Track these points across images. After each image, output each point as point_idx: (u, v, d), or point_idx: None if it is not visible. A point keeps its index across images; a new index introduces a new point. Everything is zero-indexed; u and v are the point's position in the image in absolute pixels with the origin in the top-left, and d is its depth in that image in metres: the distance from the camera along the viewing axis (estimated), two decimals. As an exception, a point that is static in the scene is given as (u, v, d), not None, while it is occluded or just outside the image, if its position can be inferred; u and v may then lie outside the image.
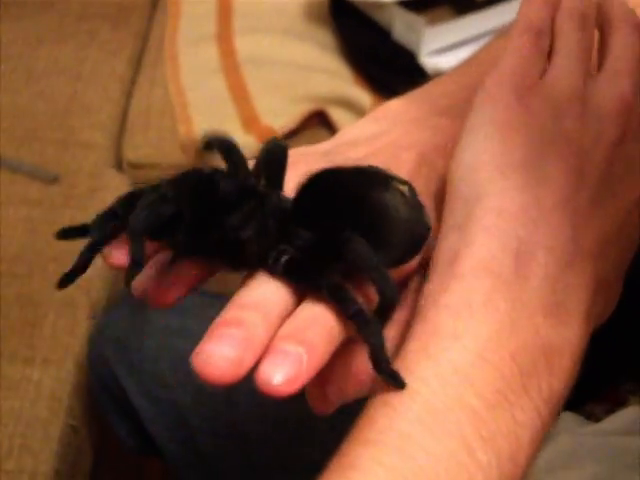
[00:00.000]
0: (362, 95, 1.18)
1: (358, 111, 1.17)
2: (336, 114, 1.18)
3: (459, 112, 0.40)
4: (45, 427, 0.87)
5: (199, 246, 0.33)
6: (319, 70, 1.25)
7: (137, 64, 1.37)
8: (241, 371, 0.29)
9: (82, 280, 1.11)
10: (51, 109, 1.26)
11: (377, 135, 0.42)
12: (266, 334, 0.30)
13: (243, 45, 1.31)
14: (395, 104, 0.46)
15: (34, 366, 0.92)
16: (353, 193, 0.32)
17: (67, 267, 1.20)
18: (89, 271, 1.16)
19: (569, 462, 0.57)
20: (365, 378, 0.34)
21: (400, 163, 0.38)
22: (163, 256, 0.36)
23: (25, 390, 0.90)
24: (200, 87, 1.26)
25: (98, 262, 1.15)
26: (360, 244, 0.30)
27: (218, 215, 0.33)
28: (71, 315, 0.97)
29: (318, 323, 0.31)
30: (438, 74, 1.17)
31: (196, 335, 0.32)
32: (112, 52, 1.36)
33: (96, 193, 1.14)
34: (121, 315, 0.82)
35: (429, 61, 1.16)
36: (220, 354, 0.29)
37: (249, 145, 1.17)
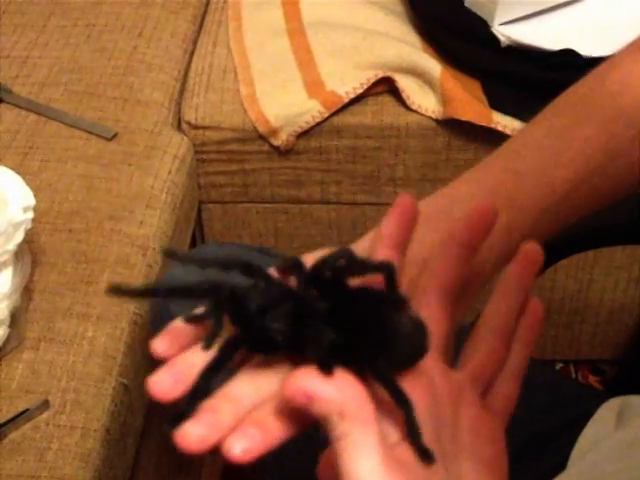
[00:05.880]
0: (432, 63, 1.14)
1: (427, 79, 1.14)
2: (403, 81, 1.14)
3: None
4: (97, 384, 0.86)
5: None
6: (386, 36, 1.21)
7: (200, 23, 1.35)
8: (208, 444, 0.37)
9: (138, 238, 1.10)
10: (111, 66, 1.24)
11: None
12: (233, 420, 0.38)
13: (309, 9, 1.28)
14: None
15: (88, 323, 0.90)
16: (373, 315, 0.40)
17: (123, 225, 1.19)
18: (145, 229, 1.14)
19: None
20: None
21: None
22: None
23: (79, 346, 0.88)
24: (264, 49, 1.24)
25: (155, 222, 1.13)
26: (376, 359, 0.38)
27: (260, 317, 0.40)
28: (127, 273, 0.96)
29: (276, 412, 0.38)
30: (511, 43, 1.13)
31: None
32: (175, 10, 1.34)
33: (154, 152, 1.12)
34: (186, 271, 0.79)
35: (503, 30, 1.12)
36: (194, 431, 0.37)
37: (312, 110, 1.14)
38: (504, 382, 0.43)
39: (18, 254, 0.86)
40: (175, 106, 1.21)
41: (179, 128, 1.20)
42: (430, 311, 0.42)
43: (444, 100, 1.12)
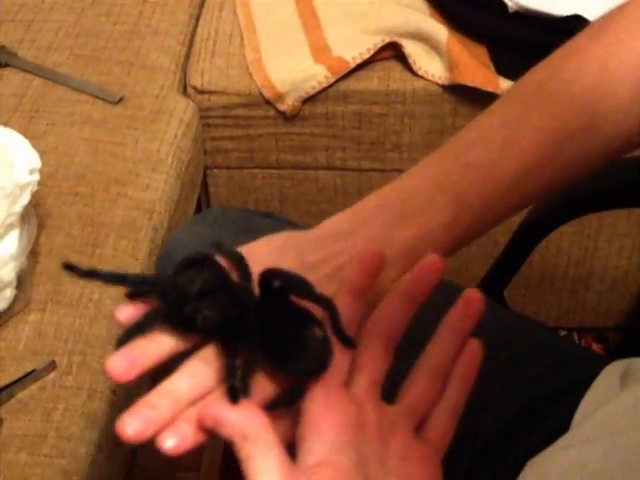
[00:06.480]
0: (438, 28, 1.13)
1: (434, 45, 1.13)
2: (410, 46, 1.14)
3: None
4: (104, 346, 0.86)
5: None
6: (393, 1, 1.20)
7: (206, -13, 1.34)
8: (144, 437, 0.41)
9: (144, 202, 1.09)
10: (117, 30, 1.24)
11: (347, 233, 0.51)
12: (170, 415, 0.42)
13: (315, -27, 1.27)
14: (370, 204, 0.52)
15: (94, 285, 0.90)
16: (287, 328, 0.44)
17: (129, 189, 1.18)
18: (151, 193, 1.13)
19: None
20: None
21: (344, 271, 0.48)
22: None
23: (85, 308, 0.89)
24: (270, 14, 1.23)
25: (160, 186, 1.13)
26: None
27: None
28: (132, 236, 0.96)
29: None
30: (519, 9, 1.12)
31: None
32: (181, -26, 1.33)
33: (160, 116, 1.12)
34: (189, 235, 0.80)
35: (511, -5, 1.11)
36: (131, 424, 0.41)
37: (318, 75, 1.14)
38: (440, 416, 0.47)
39: (24, 217, 0.86)
40: (181, 71, 1.21)
41: (185, 93, 1.19)
42: (373, 354, 0.45)
43: (450, 66, 1.11)
